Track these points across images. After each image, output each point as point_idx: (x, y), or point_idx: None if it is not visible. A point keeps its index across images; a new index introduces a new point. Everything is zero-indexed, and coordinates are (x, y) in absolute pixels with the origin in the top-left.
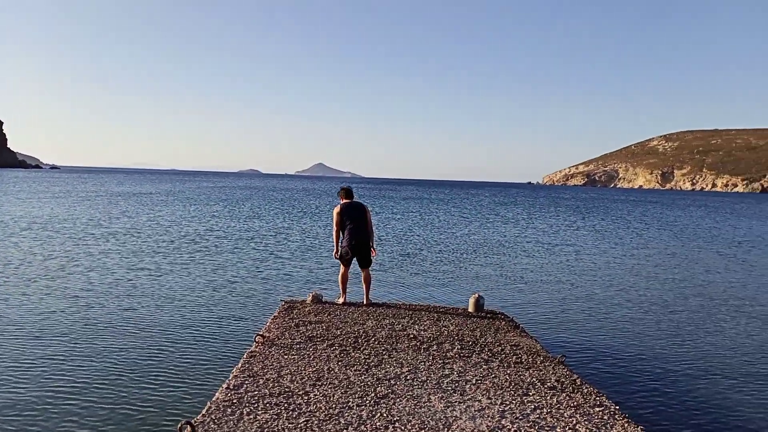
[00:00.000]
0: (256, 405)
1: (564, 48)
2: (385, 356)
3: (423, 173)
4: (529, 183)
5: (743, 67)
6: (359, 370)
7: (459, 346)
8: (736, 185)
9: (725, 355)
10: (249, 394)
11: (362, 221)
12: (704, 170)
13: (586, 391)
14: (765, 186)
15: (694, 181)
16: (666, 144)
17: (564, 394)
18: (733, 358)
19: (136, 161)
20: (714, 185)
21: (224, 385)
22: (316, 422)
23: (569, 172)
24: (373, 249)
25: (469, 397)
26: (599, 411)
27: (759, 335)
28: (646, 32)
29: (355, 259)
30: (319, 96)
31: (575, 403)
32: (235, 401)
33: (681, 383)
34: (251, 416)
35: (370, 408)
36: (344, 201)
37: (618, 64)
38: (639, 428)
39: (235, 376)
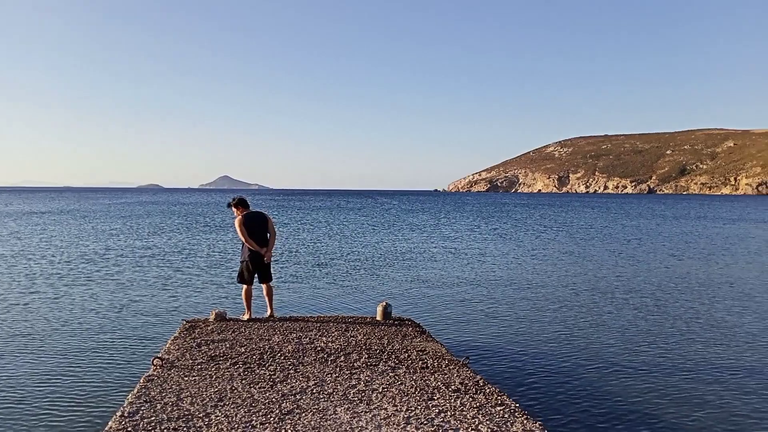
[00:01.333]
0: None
1: (463, 58)
2: (291, 371)
3: (333, 183)
4: (436, 190)
5: (629, 76)
6: (264, 387)
7: (366, 356)
8: (625, 187)
9: (614, 347)
10: (145, 420)
11: (265, 232)
12: (596, 174)
13: (488, 391)
14: (651, 187)
15: (588, 184)
16: (561, 150)
17: (467, 396)
18: (621, 349)
19: (25, 179)
20: (606, 187)
21: (118, 413)
22: None
23: (473, 178)
24: (269, 253)
25: (376, 406)
26: (500, 410)
27: (643, 326)
28: (538, 43)
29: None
30: (223, 105)
31: (478, 404)
32: (129, 429)
33: (576, 377)
34: None
35: (275, 425)
36: (244, 212)
37: (515, 73)
38: (537, 424)
39: (131, 402)
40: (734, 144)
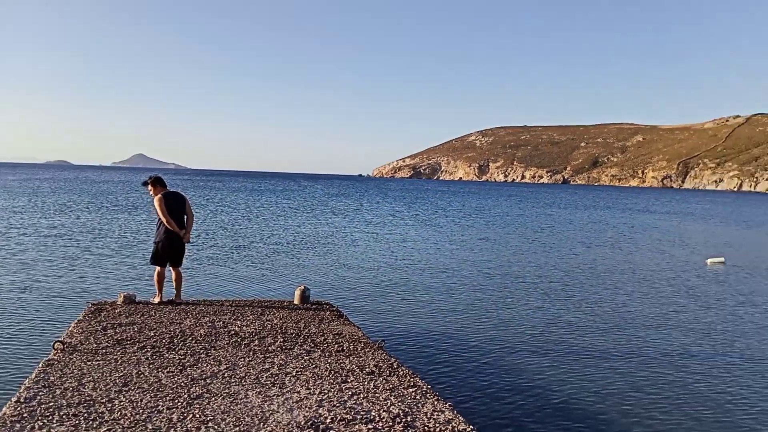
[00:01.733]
0: (50, 418)
1: (392, 44)
2: (203, 355)
3: (255, 165)
4: (360, 175)
5: (548, 69)
6: (172, 372)
7: (282, 339)
8: (542, 177)
9: (522, 329)
10: (43, 406)
11: (182, 213)
12: (515, 163)
13: (401, 373)
14: (566, 177)
15: (507, 173)
16: (482, 139)
17: (381, 378)
18: (528, 331)
19: None
20: (523, 177)
21: (13, 399)
22: (119, 430)
23: (397, 164)
24: (188, 234)
25: (288, 389)
26: (412, 392)
27: (550, 309)
28: (463, 35)
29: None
30: (139, 79)
31: (391, 386)
32: (25, 415)
33: (487, 358)
34: (44, 430)
35: (182, 410)
36: (161, 191)
37: (441, 61)
38: (447, 405)
39: (28, 387)
40: (643, 138)
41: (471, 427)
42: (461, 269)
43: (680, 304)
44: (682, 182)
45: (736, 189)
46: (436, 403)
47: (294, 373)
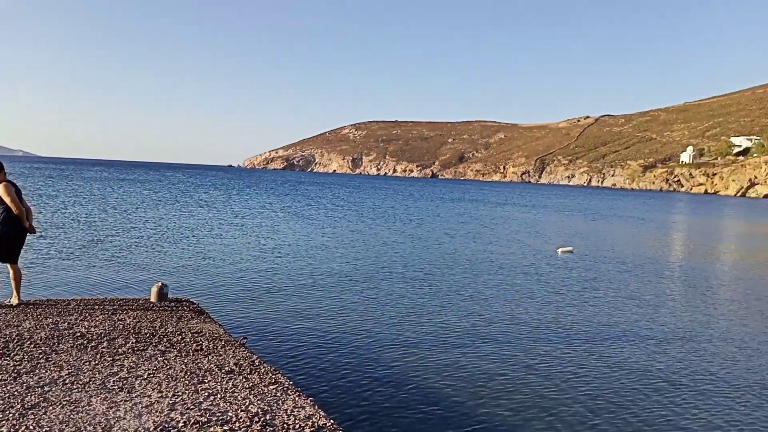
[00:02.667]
0: None
1: (260, 34)
2: (42, 360)
3: (115, 154)
4: (230, 166)
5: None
6: (5, 380)
7: (134, 340)
8: (412, 171)
9: (386, 320)
10: None
11: (22, 204)
12: (387, 157)
13: (263, 371)
14: (434, 172)
15: (379, 166)
16: (356, 132)
17: (241, 377)
18: (393, 321)
19: None
20: (395, 170)
21: None
22: None
23: (270, 155)
24: (32, 226)
25: (138, 393)
26: (273, 389)
27: (413, 298)
28: (339, 30)
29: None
30: None
31: (251, 384)
32: None
33: (350, 351)
34: None
35: (14, 422)
36: (3, 179)
37: (316, 53)
38: (308, 400)
39: None
40: (504, 136)
41: (331, 421)
42: (329, 261)
43: (532, 290)
44: (539, 177)
45: (585, 184)
46: (297, 399)
47: (146, 376)
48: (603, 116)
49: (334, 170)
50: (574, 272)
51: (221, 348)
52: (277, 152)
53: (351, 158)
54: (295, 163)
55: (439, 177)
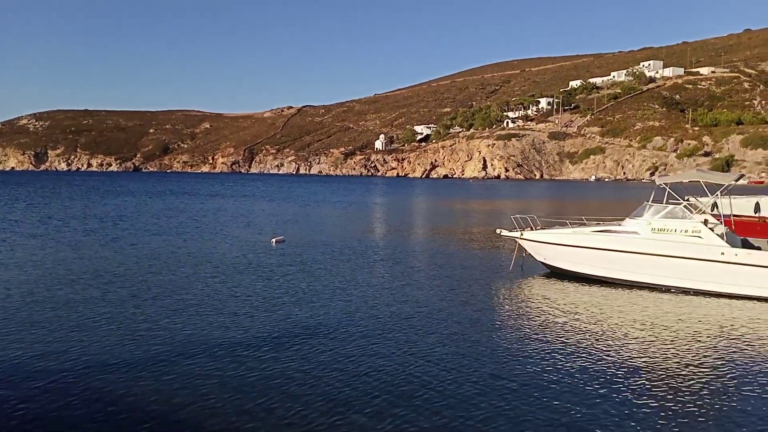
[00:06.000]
0: None
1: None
2: None
3: None
4: None
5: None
6: None
7: None
8: (110, 164)
9: (79, 335)
10: None
11: None
12: (79, 150)
13: None
14: (137, 164)
15: (70, 161)
16: (37, 123)
17: None
18: (74, 335)
19: None
20: (90, 165)
21: None
22: None
23: None
24: None
25: None
26: None
27: (119, 307)
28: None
29: None
30: None
31: None
32: None
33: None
34: None
35: None
36: None
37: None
38: None
39: None
40: (210, 126)
41: None
42: (30, 274)
43: (247, 281)
44: (249, 167)
45: (294, 172)
46: None
47: None
48: (305, 107)
49: (13, 167)
50: (288, 259)
51: None
52: None
53: (33, 153)
54: None
55: (143, 170)
